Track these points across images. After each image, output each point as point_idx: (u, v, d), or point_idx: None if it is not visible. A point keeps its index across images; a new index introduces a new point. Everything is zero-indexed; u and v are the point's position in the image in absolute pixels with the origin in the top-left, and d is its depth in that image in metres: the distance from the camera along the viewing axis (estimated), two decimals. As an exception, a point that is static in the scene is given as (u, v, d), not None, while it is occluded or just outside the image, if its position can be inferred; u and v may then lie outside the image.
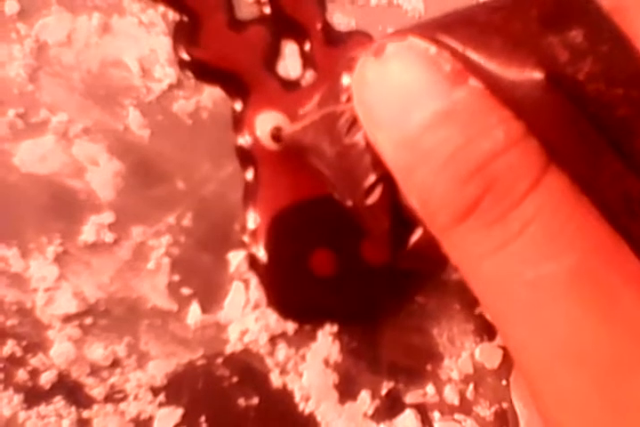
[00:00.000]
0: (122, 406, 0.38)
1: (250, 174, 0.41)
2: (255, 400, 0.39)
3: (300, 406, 0.40)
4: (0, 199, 0.38)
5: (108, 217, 0.39)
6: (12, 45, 0.39)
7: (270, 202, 0.41)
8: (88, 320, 0.38)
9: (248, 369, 0.39)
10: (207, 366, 0.39)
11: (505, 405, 0.42)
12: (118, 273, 0.39)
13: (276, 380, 0.40)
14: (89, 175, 0.39)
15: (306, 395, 0.40)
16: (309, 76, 0.43)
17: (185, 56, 0.41)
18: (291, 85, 0.42)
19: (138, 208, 0.40)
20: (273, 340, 0.40)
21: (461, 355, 0.42)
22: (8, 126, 0.38)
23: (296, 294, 0.40)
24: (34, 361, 0.37)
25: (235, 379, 0.39)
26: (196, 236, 0.40)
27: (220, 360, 0.39)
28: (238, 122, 0.41)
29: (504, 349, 0.42)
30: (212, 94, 0.41)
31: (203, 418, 0.38)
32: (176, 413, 0.38)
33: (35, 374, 0.37)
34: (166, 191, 0.41)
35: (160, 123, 0.41)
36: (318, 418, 0.40)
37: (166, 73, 0.41)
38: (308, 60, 0.43)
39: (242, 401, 0.39)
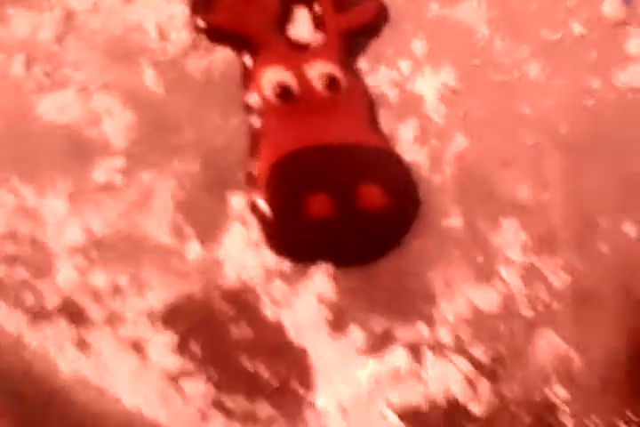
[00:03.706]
0: (120, 330, 0.43)
1: (255, 125, 0.47)
2: (248, 332, 0.43)
3: (292, 339, 0.44)
4: (22, 144, 0.45)
5: (119, 162, 0.46)
6: (43, 13, 0.47)
7: (272, 150, 0.46)
8: (94, 252, 0.44)
9: (243, 303, 0.44)
10: (204, 298, 0.44)
11: (501, 348, 0.45)
12: (125, 212, 0.45)
13: (269, 313, 0.44)
14: (104, 125, 0.46)
15: (297, 328, 0.44)
16: (318, 38, 0.49)
17: (200, 23, 0.48)
18: (299, 46, 0.48)
19: (148, 155, 0.46)
20: (269, 276, 0.44)
21: (458, 298, 0.46)
22: (34, 81, 0.46)
23: (293, 234, 0.45)
24: (41, 286, 0.43)
25: (230, 311, 0.44)
26: (201, 181, 0.46)
27: (216, 294, 0.44)
28: (246, 77, 0.48)
29: (501, 294, 0.46)
30: (223, 56, 0.48)
31: (196, 346, 0.43)
32: (171, 339, 0.43)
33: (41, 297, 0.43)
34: (176, 140, 0.47)
35: (173, 80, 0.48)
36: (309, 351, 0.44)
37: (181, 37, 0.48)
38: (317, 24, 0.49)
39: (236, 333, 0.43)
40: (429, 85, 0.49)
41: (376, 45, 0.50)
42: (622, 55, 0.50)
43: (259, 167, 0.45)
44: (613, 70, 0.50)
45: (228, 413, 0.42)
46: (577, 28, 0.50)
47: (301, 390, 0.42)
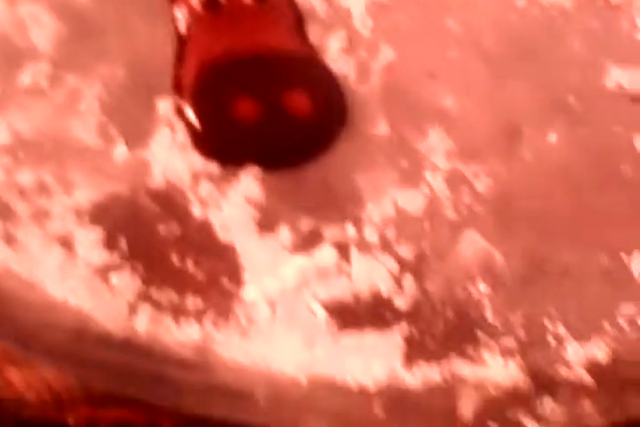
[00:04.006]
0: (47, 225, 0.43)
1: (182, 32, 0.47)
2: (175, 229, 0.44)
3: (219, 236, 0.44)
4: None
5: (45, 66, 0.47)
6: None
7: (199, 57, 0.47)
8: (20, 153, 0.45)
9: (170, 202, 0.44)
10: (131, 197, 0.44)
11: (425, 246, 0.46)
12: (51, 115, 0.46)
13: (197, 212, 0.45)
14: (30, 31, 0.47)
15: (225, 226, 0.44)
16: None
17: None
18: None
19: (73, 60, 0.47)
20: (196, 177, 0.45)
21: (384, 201, 0.47)
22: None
23: (220, 138, 0.46)
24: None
25: (157, 209, 0.44)
26: (127, 85, 0.47)
27: (143, 193, 0.44)
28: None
29: (427, 197, 0.47)
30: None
31: (123, 241, 0.43)
32: (97, 234, 0.43)
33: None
34: (101, 46, 0.48)
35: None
36: (237, 247, 0.44)
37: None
38: None
39: (163, 229, 0.44)
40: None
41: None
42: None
43: (185, 72, 0.46)
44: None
45: (156, 305, 0.42)
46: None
47: (230, 285, 0.43)
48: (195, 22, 0.47)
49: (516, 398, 0.40)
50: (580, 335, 0.43)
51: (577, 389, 0.41)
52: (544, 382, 0.41)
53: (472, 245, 0.44)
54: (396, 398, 0.41)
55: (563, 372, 0.42)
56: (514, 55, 0.51)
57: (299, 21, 0.49)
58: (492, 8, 0.51)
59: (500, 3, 0.52)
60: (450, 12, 0.51)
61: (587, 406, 0.40)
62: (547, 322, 0.43)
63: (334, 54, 0.49)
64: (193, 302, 0.43)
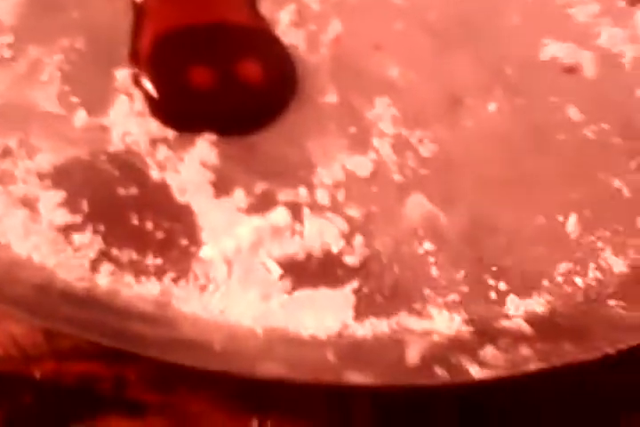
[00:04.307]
0: (10, 187, 0.45)
1: (138, 2, 0.50)
2: (134, 191, 0.46)
3: (177, 198, 0.47)
4: None
5: (7, 38, 0.49)
6: None
7: (154, 27, 0.49)
8: (-15, 119, 0.46)
9: (129, 166, 0.47)
10: (91, 161, 0.46)
11: (374, 208, 0.49)
12: (14, 84, 0.48)
13: (154, 175, 0.47)
14: None
15: (182, 189, 0.46)
16: None
17: None
18: None
19: (35, 32, 0.49)
20: (153, 143, 0.47)
21: (333, 164, 0.49)
22: None
23: (176, 104, 0.48)
24: None
25: (116, 173, 0.46)
26: (87, 55, 0.49)
27: (103, 157, 0.46)
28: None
29: (374, 162, 0.50)
30: None
31: (84, 203, 0.45)
32: (59, 195, 0.45)
33: None
34: (62, 19, 0.50)
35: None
36: (194, 209, 0.46)
37: None
38: None
39: (122, 191, 0.46)
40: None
41: None
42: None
43: (142, 44, 0.48)
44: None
45: (117, 263, 0.44)
46: None
47: (188, 244, 0.45)
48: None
49: (459, 346, 0.43)
50: (520, 291, 0.46)
51: (517, 337, 0.43)
52: (486, 332, 0.44)
53: (418, 206, 0.47)
54: (348, 346, 0.43)
55: (503, 323, 0.44)
56: (456, 28, 0.54)
57: (251, -5, 0.50)
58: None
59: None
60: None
61: (526, 352, 0.42)
62: (489, 279, 0.45)
63: (285, 27, 0.52)
64: (153, 260, 0.45)
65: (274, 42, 0.50)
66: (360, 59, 0.51)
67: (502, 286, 0.45)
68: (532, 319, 0.44)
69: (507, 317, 0.44)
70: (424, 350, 0.42)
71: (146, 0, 0.49)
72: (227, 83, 0.48)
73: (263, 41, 0.50)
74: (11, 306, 0.41)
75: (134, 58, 0.48)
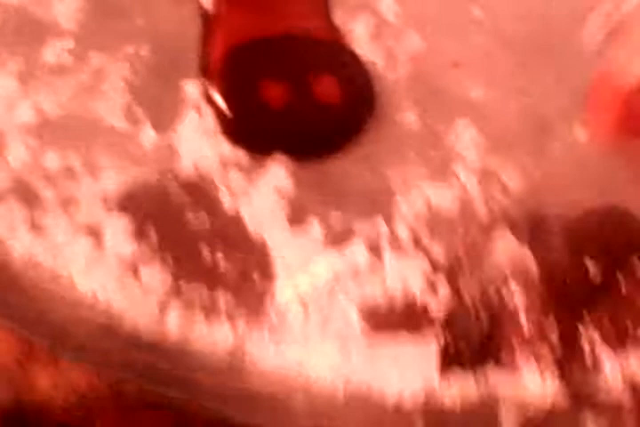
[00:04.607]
0: (75, 214, 0.42)
1: (208, 11, 0.45)
2: (205, 220, 0.42)
3: (249, 229, 0.43)
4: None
5: (67, 43, 0.45)
6: None
7: (226, 38, 0.45)
8: (46, 133, 0.43)
9: (199, 190, 0.43)
10: (159, 183, 0.43)
11: (459, 247, 0.45)
12: (77, 94, 0.44)
13: (226, 202, 0.43)
14: (54, 6, 0.45)
15: (255, 219, 0.43)
16: None
17: None
18: None
19: (97, 38, 0.45)
20: (225, 165, 0.43)
21: (414, 194, 0.45)
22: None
23: (248, 123, 0.44)
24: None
25: (186, 198, 0.42)
26: (153, 65, 0.45)
27: (172, 180, 0.43)
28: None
29: (457, 192, 0.46)
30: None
31: (152, 232, 0.41)
32: (127, 225, 0.41)
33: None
34: (125, 25, 0.46)
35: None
36: (267, 241, 0.43)
37: None
38: None
39: (194, 222, 0.42)
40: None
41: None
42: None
43: (212, 54, 0.44)
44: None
45: (187, 302, 0.41)
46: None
47: (262, 282, 0.42)
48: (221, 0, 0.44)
49: (555, 418, 0.40)
50: (615, 344, 0.42)
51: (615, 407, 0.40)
52: (581, 397, 0.40)
53: (505, 244, 0.43)
54: (434, 417, 0.40)
55: (599, 384, 0.41)
56: (539, 46, 0.51)
57: (326, 3, 0.47)
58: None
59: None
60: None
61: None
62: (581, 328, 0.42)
63: (361, 40, 0.48)
64: (224, 298, 0.41)
65: (351, 56, 0.47)
66: (439, 76, 0.48)
67: (596, 336, 0.41)
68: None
69: (604, 380, 0.41)
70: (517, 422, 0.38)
71: (215, 8, 0.44)
72: (302, 100, 0.45)
73: (340, 55, 0.47)
74: (72, 351, 0.39)
75: (204, 70, 0.44)
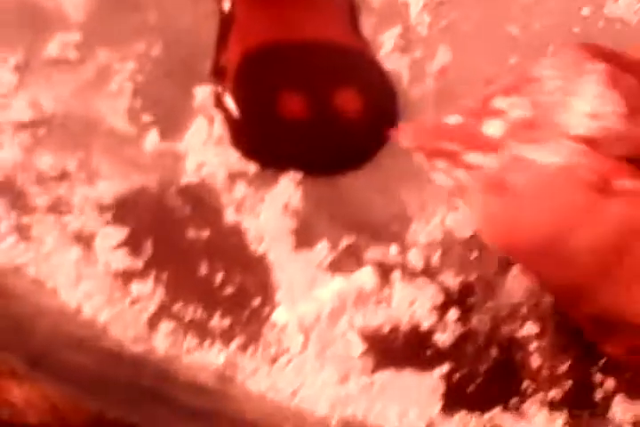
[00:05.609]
0: (65, 218, 0.39)
1: (226, 10, 0.42)
2: (205, 234, 0.40)
3: (252, 247, 0.40)
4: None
5: (74, 36, 0.42)
6: None
7: (244, 40, 0.42)
8: (41, 131, 0.40)
9: (202, 202, 0.40)
10: (159, 193, 0.40)
11: (472, 277, 0.42)
12: (79, 90, 0.42)
13: (230, 216, 0.40)
14: None
15: (259, 236, 0.40)
16: None
17: None
18: None
19: (106, 32, 0.42)
20: (232, 177, 0.41)
21: (430, 220, 0.43)
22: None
23: (261, 135, 0.42)
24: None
25: (187, 210, 0.40)
26: (164, 66, 0.42)
27: (173, 189, 0.40)
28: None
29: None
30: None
31: (148, 244, 0.39)
32: (120, 233, 0.39)
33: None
34: (137, 20, 0.43)
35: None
36: (270, 261, 0.40)
37: None
38: None
39: (191, 233, 0.40)
40: (415, -7, 0.45)
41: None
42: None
43: (228, 58, 0.42)
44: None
45: (179, 321, 0.39)
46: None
47: (261, 304, 0.40)
48: (241, 1, 0.41)
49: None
50: (630, 391, 0.41)
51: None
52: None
53: (520, 277, 0.40)
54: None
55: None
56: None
57: (352, 10, 0.45)
58: (557, 15, 0.47)
59: (565, 10, 0.48)
60: (511, 15, 0.47)
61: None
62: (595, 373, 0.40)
63: (388, 52, 0.45)
64: (219, 321, 0.39)
65: (376, 68, 0.44)
66: (468, 94, 0.44)
67: (610, 384, 0.39)
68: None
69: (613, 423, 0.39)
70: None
71: (234, 8, 0.41)
72: (321, 114, 0.42)
73: (364, 66, 0.44)
74: (47, 369, 0.36)
75: (218, 74, 0.41)
